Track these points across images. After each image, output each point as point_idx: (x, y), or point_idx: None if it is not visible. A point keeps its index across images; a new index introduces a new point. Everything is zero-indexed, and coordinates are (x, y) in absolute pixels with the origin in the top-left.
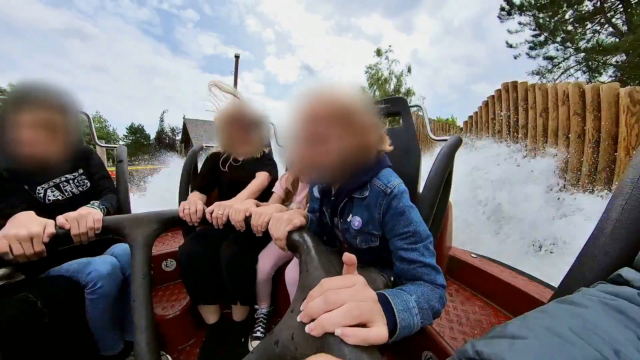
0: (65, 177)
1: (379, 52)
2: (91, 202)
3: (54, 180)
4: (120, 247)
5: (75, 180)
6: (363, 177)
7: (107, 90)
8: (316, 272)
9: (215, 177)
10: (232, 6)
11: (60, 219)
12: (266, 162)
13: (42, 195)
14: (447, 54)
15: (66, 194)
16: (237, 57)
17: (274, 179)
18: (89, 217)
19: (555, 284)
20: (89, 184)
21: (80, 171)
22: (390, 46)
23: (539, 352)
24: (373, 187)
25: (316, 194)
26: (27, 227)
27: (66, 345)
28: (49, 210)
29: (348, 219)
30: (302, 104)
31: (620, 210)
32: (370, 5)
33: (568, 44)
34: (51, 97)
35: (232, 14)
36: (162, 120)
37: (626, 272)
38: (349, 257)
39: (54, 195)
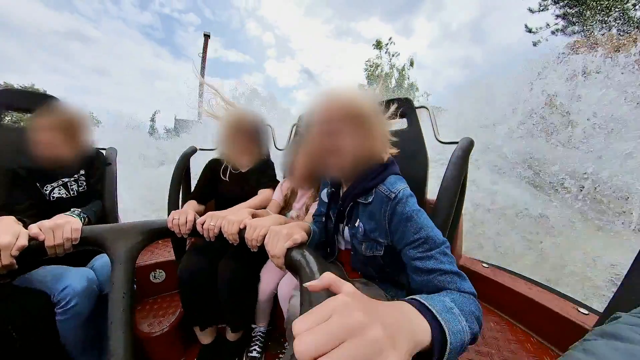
0: (74, 177)
1: (378, 44)
2: (72, 209)
3: (62, 180)
4: (102, 260)
5: (79, 180)
6: (369, 183)
7: (107, 92)
8: (322, 299)
9: (214, 186)
10: (233, 10)
11: (34, 228)
12: (271, 176)
13: (48, 192)
14: (446, 57)
15: (71, 192)
16: (206, 36)
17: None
18: (66, 227)
19: None
20: (87, 186)
21: (82, 172)
22: (390, 38)
23: None
24: (377, 193)
25: (324, 198)
26: None
27: None
28: (53, 207)
29: (356, 224)
30: (320, 104)
31: None
32: (369, 9)
33: (614, 12)
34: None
35: (233, 18)
36: (152, 121)
37: None
38: (312, 285)
39: (59, 193)
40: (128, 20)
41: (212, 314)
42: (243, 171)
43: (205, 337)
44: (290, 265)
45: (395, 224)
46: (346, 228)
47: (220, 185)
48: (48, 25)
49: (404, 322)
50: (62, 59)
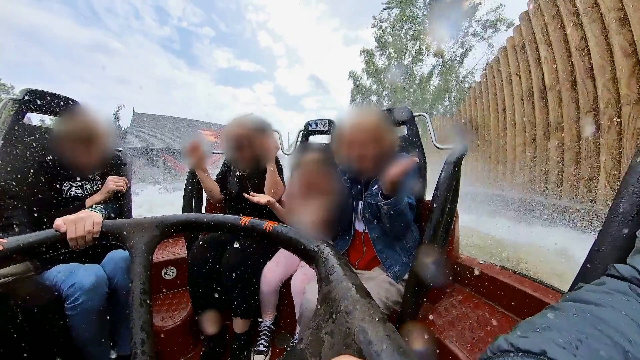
0: (90, 177)
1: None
2: (94, 205)
3: (80, 180)
4: (110, 257)
5: (94, 181)
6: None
7: (126, 100)
8: (343, 282)
9: (226, 181)
10: (246, 23)
11: (58, 221)
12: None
13: (66, 189)
14: None
15: (84, 191)
16: None
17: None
18: (87, 220)
19: None
20: (100, 185)
21: (98, 172)
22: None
23: (569, 337)
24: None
25: (344, 183)
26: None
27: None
28: (67, 203)
29: (373, 188)
30: (356, 122)
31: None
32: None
33: None
34: (87, 121)
35: (246, 30)
36: (117, 120)
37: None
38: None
39: (75, 192)
40: (149, 34)
41: (215, 300)
42: (245, 173)
43: (210, 327)
44: (307, 256)
45: None
46: (360, 203)
47: (228, 184)
48: (77, 39)
49: None
50: (86, 69)
